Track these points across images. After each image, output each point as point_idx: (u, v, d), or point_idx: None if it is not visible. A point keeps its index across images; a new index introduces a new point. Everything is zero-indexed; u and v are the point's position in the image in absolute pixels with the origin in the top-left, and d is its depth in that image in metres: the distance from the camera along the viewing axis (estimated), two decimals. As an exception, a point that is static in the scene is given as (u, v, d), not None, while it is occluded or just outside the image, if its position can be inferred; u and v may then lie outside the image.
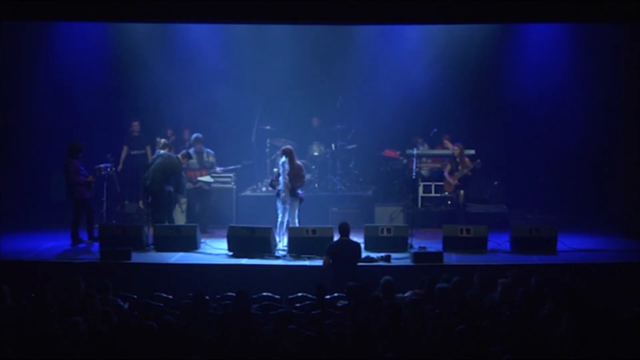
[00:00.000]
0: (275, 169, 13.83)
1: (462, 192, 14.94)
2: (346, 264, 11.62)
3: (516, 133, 16.67)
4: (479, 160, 14.84)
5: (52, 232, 14.48)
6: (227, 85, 16.45)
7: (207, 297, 9.70)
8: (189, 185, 14.70)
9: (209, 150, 15.23)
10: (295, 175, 13.25)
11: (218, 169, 15.32)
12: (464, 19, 13.36)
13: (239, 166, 15.73)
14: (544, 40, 16.12)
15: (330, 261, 11.73)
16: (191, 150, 14.79)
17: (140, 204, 15.07)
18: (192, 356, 7.42)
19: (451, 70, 16.38)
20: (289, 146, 13.80)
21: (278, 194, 13.27)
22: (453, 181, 14.99)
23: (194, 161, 14.84)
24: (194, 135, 15.15)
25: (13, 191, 15.96)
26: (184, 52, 16.56)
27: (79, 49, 16.36)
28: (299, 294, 10.55)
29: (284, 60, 16.41)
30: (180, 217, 14.89)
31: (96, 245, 13.34)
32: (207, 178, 14.99)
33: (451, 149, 15.50)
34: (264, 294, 10.54)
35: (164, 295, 10.47)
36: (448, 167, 15.19)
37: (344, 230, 11.88)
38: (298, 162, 13.49)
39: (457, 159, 14.97)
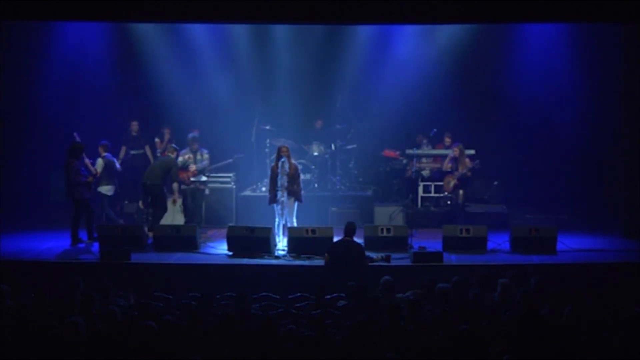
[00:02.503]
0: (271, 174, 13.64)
1: (461, 192, 14.95)
2: (346, 264, 11.61)
3: (516, 133, 16.67)
4: (477, 161, 14.86)
5: (52, 232, 14.49)
6: (226, 84, 16.45)
7: (216, 296, 9.69)
8: (183, 186, 14.67)
9: (203, 149, 15.21)
10: (293, 176, 13.26)
11: (204, 163, 15.16)
12: (464, 19, 13.38)
13: (230, 160, 15.69)
14: (544, 40, 16.13)
15: (331, 261, 11.73)
16: (185, 150, 14.87)
17: (140, 204, 15.08)
18: (192, 356, 7.42)
19: (451, 70, 16.39)
20: (286, 145, 13.78)
21: (274, 198, 13.24)
22: (452, 181, 15.00)
23: (190, 161, 14.84)
24: (190, 135, 15.14)
25: (13, 191, 15.95)
26: (184, 52, 16.55)
27: (80, 49, 16.38)
28: (299, 294, 10.55)
29: (283, 60, 16.43)
30: (178, 217, 14.83)
31: (96, 245, 13.34)
32: (201, 177, 14.99)
33: (451, 145, 15.52)
34: (264, 294, 10.54)
35: (164, 295, 10.47)
36: (448, 166, 15.20)
37: (349, 230, 11.85)
38: (294, 162, 13.52)
39: (458, 159, 14.99)
